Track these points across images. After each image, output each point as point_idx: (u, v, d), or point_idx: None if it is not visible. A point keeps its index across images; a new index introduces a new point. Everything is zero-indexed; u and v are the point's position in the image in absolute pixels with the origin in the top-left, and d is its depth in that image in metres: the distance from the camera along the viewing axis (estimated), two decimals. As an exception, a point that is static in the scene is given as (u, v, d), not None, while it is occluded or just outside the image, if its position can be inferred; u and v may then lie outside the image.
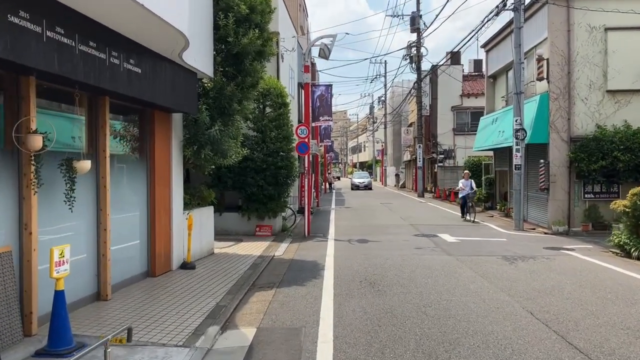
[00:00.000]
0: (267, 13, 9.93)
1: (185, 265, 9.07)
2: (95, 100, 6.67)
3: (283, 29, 16.37)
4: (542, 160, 15.02)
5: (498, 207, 19.69)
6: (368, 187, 42.88)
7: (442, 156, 32.38)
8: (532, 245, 12.15)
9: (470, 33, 18.50)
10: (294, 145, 14.33)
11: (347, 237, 13.63)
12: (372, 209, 22.95)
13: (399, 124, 50.89)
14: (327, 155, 42.38)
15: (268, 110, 14.26)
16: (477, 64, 35.45)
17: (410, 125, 42.85)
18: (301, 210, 19.40)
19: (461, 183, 18.30)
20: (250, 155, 13.62)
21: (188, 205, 9.74)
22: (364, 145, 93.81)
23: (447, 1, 25.17)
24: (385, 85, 52.23)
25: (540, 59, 15.01)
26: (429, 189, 34.78)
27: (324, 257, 10.49)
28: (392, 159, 54.20)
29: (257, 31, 9.37)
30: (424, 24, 31.75)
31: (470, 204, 17.69)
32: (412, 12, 31.65)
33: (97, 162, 6.67)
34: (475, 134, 32.05)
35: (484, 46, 21.78)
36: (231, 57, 9.39)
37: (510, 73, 19.37)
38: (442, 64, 31.31)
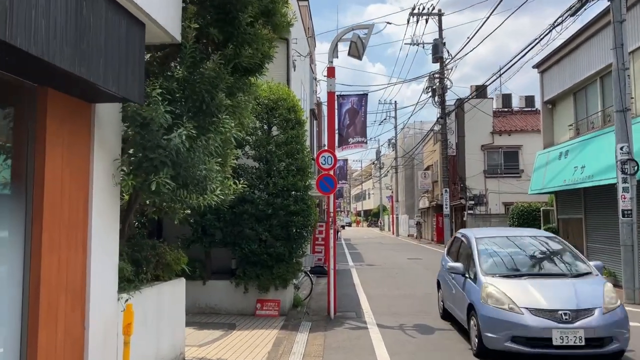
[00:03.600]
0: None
1: (115, 409, 4.50)
2: None
3: (294, 29, 12.33)
4: (662, 204, 10.60)
5: (573, 266, 15.06)
6: None
7: (472, 202, 27.94)
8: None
9: (531, 44, 14.54)
10: (313, 181, 9.98)
11: (395, 318, 9.03)
12: (402, 267, 18.30)
13: (411, 168, 46.82)
14: (336, 201, 37.92)
15: (275, 130, 9.98)
16: (506, 99, 31.60)
17: (428, 168, 38.67)
18: (315, 270, 14.85)
19: None
20: (249, 196, 9.27)
21: (132, 281, 5.25)
22: (369, 193, 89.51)
23: (482, 25, 21.46)
24: (395, 127, 48.49)
25: (652, 64, 10.87)
26: (454, 240, 30.16)
27: (378, 373, 5.90)
28: (404, 207, 49.79)
29: (262, -37, 5.18)
30: (448, 52, 28.04)
31: None
32: (435, 40, 28.02)
33: None
34: (510, 176, 27.95)
35: (537, 66, 17.78)
36: (215, 9, 5.16)
37: (581, 95, 15.30)
38: (470, 97, 27.42)
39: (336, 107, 12.14)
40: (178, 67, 5.19)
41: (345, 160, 21.62)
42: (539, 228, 18.19)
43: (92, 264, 4.37)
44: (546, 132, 17.49)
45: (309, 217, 9.65)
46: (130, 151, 4.85)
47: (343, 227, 72.38)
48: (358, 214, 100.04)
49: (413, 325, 8.46)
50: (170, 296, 6.05)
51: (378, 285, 13.65)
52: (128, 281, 5.15)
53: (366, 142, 14.87)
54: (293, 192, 9.64)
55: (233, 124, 5.07)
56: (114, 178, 4.72)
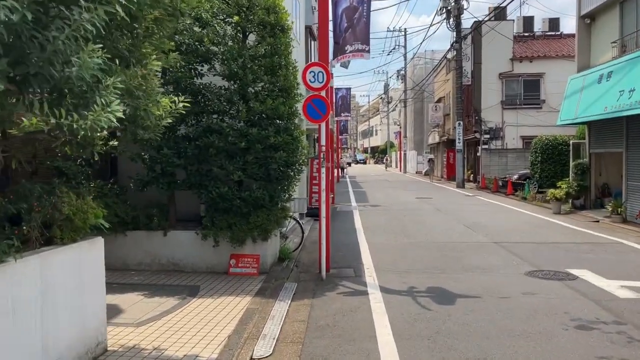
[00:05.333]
0: None
1: None
2: None
3: None
4: None
5: (609, 207, 13.09)
6: None
7: (487, 136, 25.67)
8: None
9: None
10: (300, 105, 7.85)
11: (402, 278, 7.17)
12: (411, 208, 16.38)
13: (420, 101, 44.10)
14: (340, 137, 35.50)
15: (252, 39, 7.74)
16: (527, 22, 28.51)
17: (439, 101, 36.08)
18: (311, 212, 12.99)
19: None
20: (216, 124, 7.22)
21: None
22: (376, 129, 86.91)
23: None
24: (405, 55, 45.36)
25: None
26: (465, 177, 28.03)
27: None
28: (413, 142, 47.48)
29: None
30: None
31: None
32: (451, -48, 24.79)
33: None
34: (530, 107, 25.44)
35: (575, -28, 15.01)
36: None
37: (630, 3, 12.73)
38: (489, 18, 24.51)
39: (330, 6, 9.73)
40: None
41: (349, 89, 18.94)
42: (567, 164, 16.10)
43: None
44: (582, 53, 14.96)
45: (295, 153, 7.60)
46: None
47: (349, 164, 70.32)
48: (365, 150, 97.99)
49: (426, 290, 6.59)
50: (73, 267, 4.12)
51: (383, 231, 11.79)
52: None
53: (368, 51, 12.06)
54: (276, 121, 7.55)
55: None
56: None
